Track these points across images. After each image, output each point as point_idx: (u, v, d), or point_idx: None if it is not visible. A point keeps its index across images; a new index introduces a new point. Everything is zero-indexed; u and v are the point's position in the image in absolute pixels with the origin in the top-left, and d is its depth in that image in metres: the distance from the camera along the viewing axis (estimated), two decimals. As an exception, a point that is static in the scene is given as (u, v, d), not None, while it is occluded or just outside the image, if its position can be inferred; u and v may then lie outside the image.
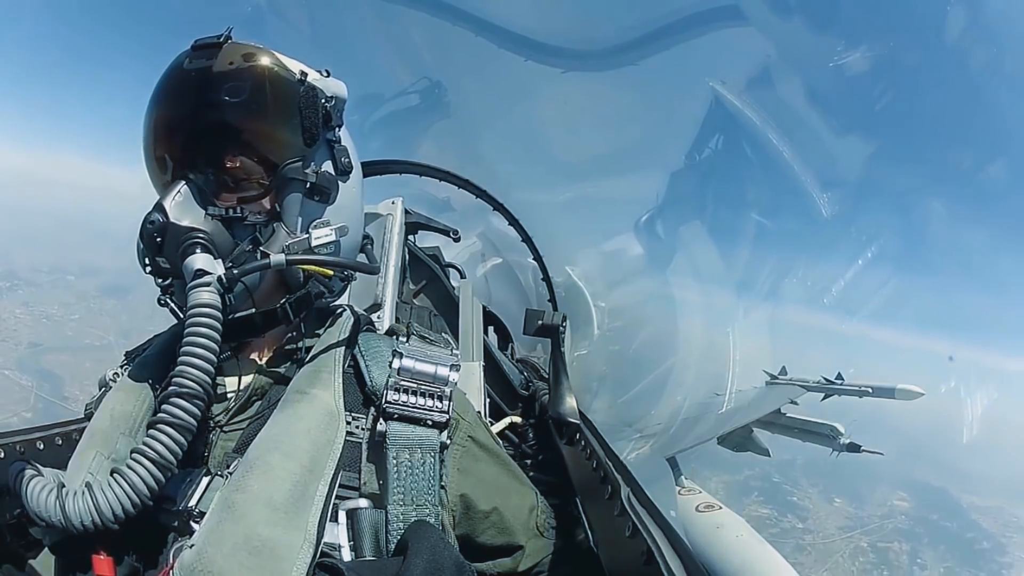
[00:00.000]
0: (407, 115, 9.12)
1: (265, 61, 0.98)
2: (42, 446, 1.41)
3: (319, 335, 1.04)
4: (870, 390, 7.78)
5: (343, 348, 1.00)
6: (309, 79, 1.00)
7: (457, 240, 3.21)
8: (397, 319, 2.24)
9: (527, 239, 4.07)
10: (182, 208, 0.91)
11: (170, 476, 0.82)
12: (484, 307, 2.78)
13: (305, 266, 0.96)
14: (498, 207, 3.88)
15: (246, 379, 1.00)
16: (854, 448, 7.60)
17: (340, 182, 1.04)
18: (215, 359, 0.84)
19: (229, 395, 1.00)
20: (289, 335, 1.05)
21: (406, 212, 2.72)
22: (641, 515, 0.98)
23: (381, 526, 0.90)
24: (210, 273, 0.87)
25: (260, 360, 1.03)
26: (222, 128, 0.95)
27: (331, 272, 1.02)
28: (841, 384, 7.84)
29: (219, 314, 0.85)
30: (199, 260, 0.87)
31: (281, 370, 1.02)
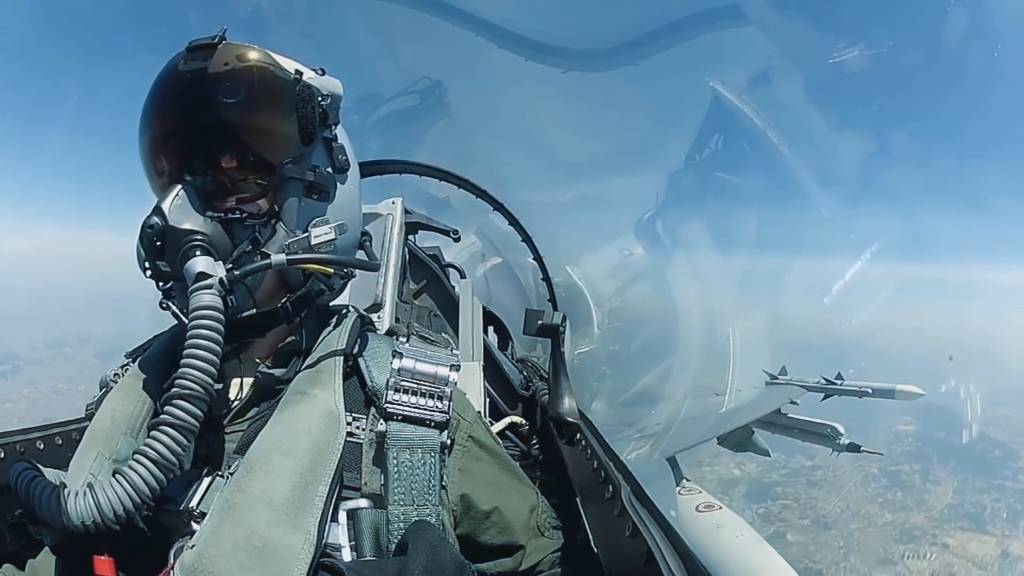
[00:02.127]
0: (406, 115, 9.12)
1: (260, 61, 0.97)
2: (42, 446, 1.42)
3: (321, 335, 1.04)
4: (870, 390, 7.82)
5: (344, 349, 1.00)
6: (304, 78, 1.00)
7: (457, 240, 3.21)
8: (397, 319, 2.23)
9: (527, 239, 4.07)
10: (181, 211, 0.90)
11: (171, 477, 0.82)
12: (484, 307, 2.78)
13: (306, 265, 0.96)
14: (498, 207, 3.88)
15: (247, 380, 1.00)
16: (854, 448, 7.63)
17: (338, 180, 1.04)
18: (218, 361, 0.84)
19: (230, 396, 1.00)
20: (290, 335, 1.05)
21: (406, 212, 2.71)
22: (641, 515, 0.97)
23: (382, 526, 0.90)
24: (211, 276, 0.87)
25: (261, 361, 1.03)
26: (219, 129, 0.95)
27: (331, 270, 1.02)
28: (841, 384, 7.87)
29: (221, 316, 0.85)
30: (200, 263, 0.87)
31: (282, 371, 1.02)
